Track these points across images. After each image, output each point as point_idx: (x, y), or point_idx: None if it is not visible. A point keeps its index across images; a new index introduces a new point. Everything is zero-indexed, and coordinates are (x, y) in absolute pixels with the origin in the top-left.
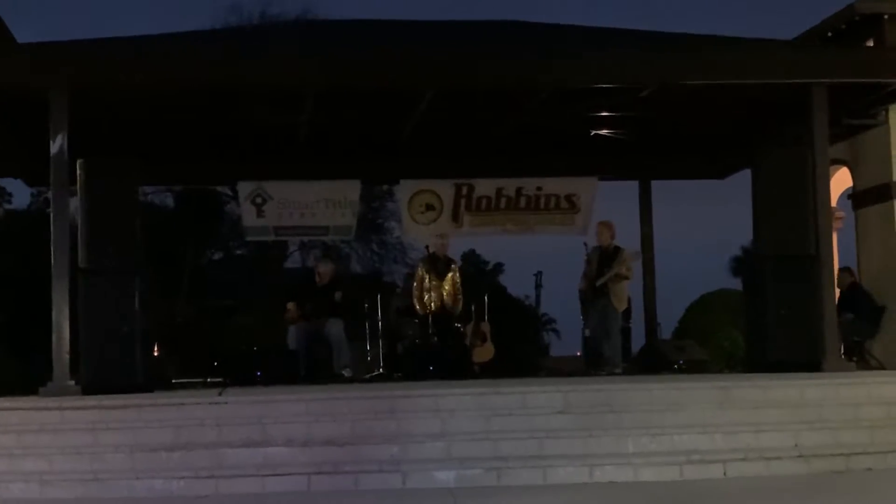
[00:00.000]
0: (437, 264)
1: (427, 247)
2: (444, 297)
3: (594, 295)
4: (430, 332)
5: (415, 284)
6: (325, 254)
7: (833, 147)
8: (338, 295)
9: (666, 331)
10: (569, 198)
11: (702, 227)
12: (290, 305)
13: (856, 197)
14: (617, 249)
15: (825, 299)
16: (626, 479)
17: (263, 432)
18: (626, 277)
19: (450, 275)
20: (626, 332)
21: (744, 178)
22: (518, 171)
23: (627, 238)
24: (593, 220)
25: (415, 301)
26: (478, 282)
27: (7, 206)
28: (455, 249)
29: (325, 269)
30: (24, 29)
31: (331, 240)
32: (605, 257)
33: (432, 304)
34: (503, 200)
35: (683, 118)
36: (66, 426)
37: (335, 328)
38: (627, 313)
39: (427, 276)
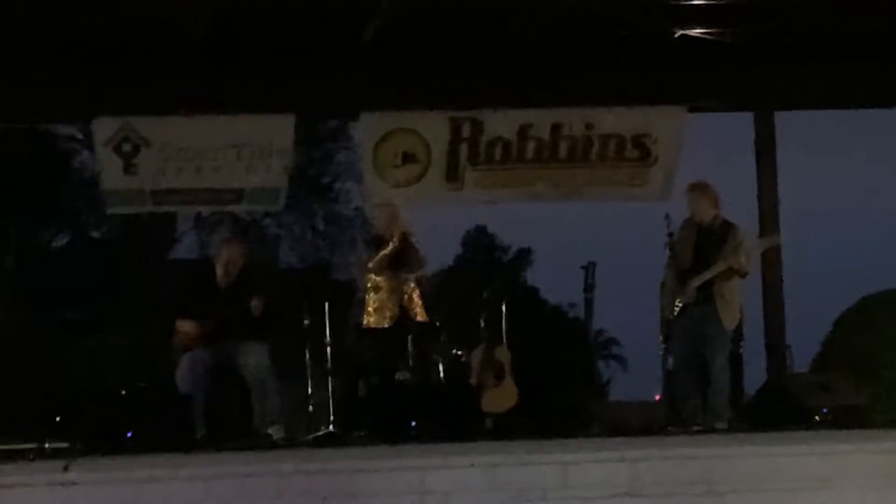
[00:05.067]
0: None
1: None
2: (407, 302)
3: (688, 301)
4: (412, 362)
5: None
6: (234, 233)
7: None
8: (257, 303)
9: (801, 359)
10: (639, 140)
11: (859, 190)
12: (184, 325)
13: None
14: (727, 227)
15: None
16: None
17: None
18: (744, 273)
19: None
20: (735, 362)
21: None
22: (555, 97)
23: (735, 207)
24: (680, 177)
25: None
26: (490, 279)
27: None
28: (453, 226)
29: (231, 256)
30: None
31: (247, 211)
32: (706, 240)
33: (386, 318)
34: (531, 146)
35: (827, 6)
36: None
37: (254, 358)
38: (738, 332)
39: (378, 273)
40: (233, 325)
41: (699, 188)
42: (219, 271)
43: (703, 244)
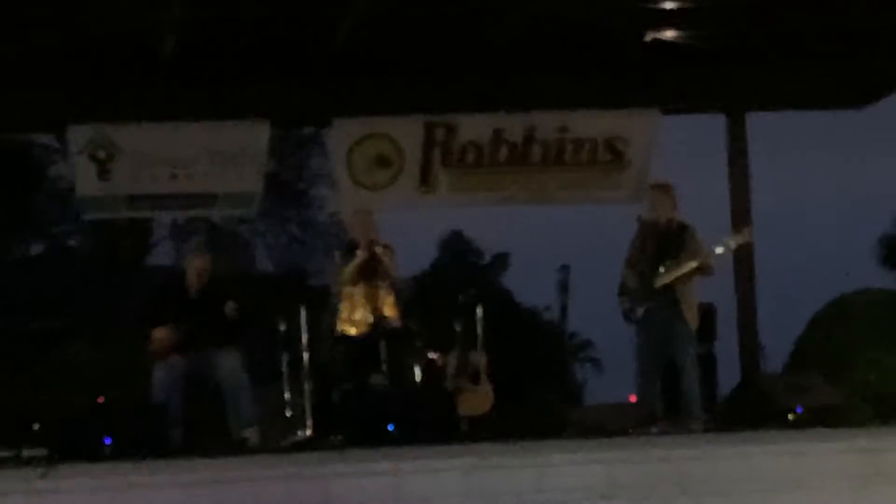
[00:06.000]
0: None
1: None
2: (381, 308)
3: (650, 302)
4: (388, 367)
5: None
6: (205, 242)
7: None
8: (230, 307)
9: (775, 359)
10: (611, 144)
11: (830, 188)
12: (158, 334)
13: None
14: (683, 228)
15: None
16: None
17: None
18: (710, 271)
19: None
20: (708, 363)
21: None
22: (529, 100)
23: (709, 207)
24: (652, 179)
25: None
26: (466, 283)
27: None
28: (429, 230)
29: (200, 266)
30: None
31: (222, 216)
32: (665, 240)
33: (360, 324)
34: (504, 149)
35: (798, 9)
36: None
37: (228, 364)
38: (709, 332)
39: (351, 281)
40: (207, 333)
41: (662, 188)
42: (190, 280)
43: (662, 246)
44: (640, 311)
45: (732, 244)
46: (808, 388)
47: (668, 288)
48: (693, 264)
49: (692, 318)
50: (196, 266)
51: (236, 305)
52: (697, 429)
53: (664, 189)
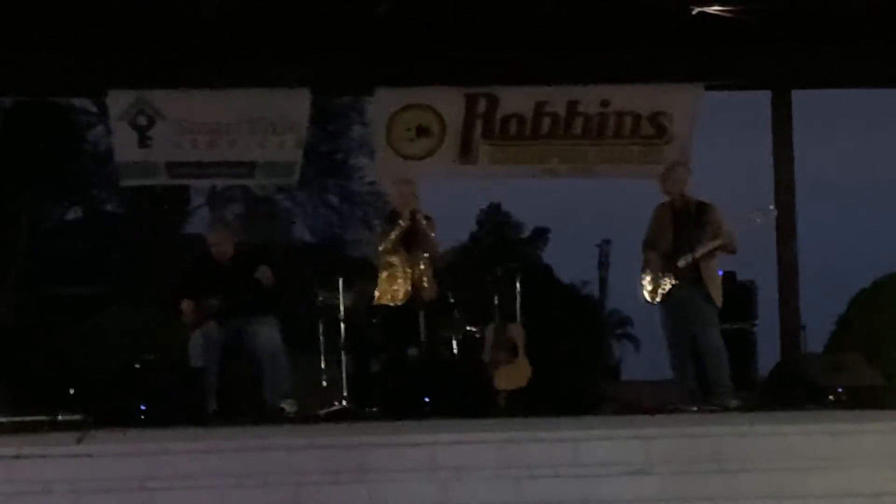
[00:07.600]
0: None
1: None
2: (420, 279)
3: (674, 281)
4: (425, 338)
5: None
6: (221, 218)
7: None
8: (263, 272)
9: (816, 339)
10: (655, 118)
11: (875, 169)
12: (186, 306)
13: None
14: (702, 207)
15: None
16: None
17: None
18: (734, 249)
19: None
20: (745, 341)
21: None
22: (571, 73)
23: (752, 184)
24: (694, 154)
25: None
26: (505, 258)
27: None
28: (468, 202)
29: (218, 240)
30: None
31: (260, 185)
32: (684, 221)
33: (399, 294)
34: (546, 122)
35: None
36: None
37: (266, 333)
38: (749, 310)
39: (392, 251)
40: (244, 302)
41: (684, 165)
42: (213, 254)
43: (681, 225)
44: (663, 293)
45: (759, 220)
46: (848, 369)
47: (695, 267)
48: (716, 244)
49: (717, 295)
50: (211, 241)
51: (269, 270)
52: (735, 403)
53: (685, 167)
